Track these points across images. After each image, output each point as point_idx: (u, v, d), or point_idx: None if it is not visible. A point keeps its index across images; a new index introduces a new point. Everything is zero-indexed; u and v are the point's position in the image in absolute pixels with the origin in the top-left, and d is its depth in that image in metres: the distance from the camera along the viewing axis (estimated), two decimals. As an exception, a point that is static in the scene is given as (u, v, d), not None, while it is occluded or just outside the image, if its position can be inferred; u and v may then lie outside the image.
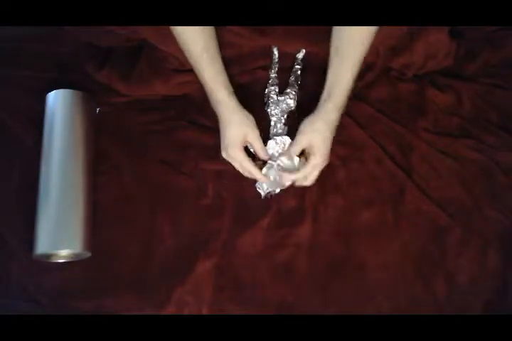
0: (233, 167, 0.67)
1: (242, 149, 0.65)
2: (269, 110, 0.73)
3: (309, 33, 0.72)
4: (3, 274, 0.62)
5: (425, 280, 0.63)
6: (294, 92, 0.74)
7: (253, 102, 0.74)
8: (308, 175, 0.64)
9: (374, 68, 0.76)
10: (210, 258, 0.63)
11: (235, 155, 0.64)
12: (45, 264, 0.63)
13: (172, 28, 0.65)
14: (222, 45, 0.72)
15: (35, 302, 0.61)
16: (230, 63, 0.75)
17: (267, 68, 0.76)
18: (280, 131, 0.71)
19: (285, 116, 0.72)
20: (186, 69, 0.75)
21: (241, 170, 0.66)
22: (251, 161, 0.65)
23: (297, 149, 0.65)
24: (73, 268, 0.63)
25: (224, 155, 0.66)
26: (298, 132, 0.65)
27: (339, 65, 0.65)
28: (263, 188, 0.67)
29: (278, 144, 0.68)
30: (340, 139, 0.72)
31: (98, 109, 0.74)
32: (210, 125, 0.73)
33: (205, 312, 0.61)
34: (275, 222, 0.66)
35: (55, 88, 0.70)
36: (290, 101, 0.73)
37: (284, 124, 0.71)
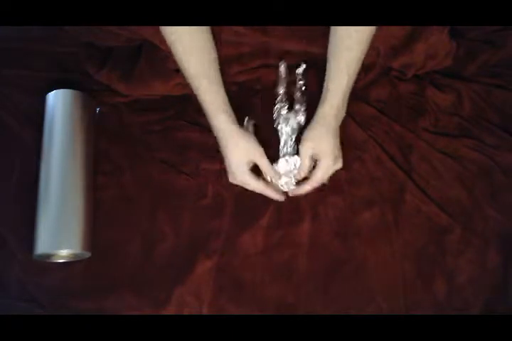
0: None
1: (250, 174, 0.64)
2: (279, 128, 0.71)
3: (310, 30, 0.72)
4: (3, 274, 0.62)
5: (425, 280, 0.63)
6: (303, 109, 0.72)
7: (253, 101, 0.74)
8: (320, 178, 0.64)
9: (374, 68, 0.76)
10: (210, 258, 0.63)
11: (245, 181, 0.64)
12: (45, 264, 0.63)
13: (173, 50, 0.64)
14: (222, 43, 0.72)
15: (35, 302, 0.61)
16: (230, 62, 0.74)
17: (267, 67, 0.76)
18: (290, 149, 0.69)
19: (296, 134, 0.70)
20: (186, 69, 0.76)
21: (256, 191, 0.65)
22: (262, 182, 0.64)
23: (306, 161, 0.64)
24: (73, 268, 0.63)
25: (232, 180, 0.65)
26: (301, 143, 0.64)
27: (332, 69, 0.65)
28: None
29: (289, 164, 0.67)
30: (341, 139, 0.72)
31: (98, 109, 0.74)
32: (210, 125, 0.73)
33: (205, 312, 0.61)
34: (275, 221, 0.66)
35: (55, 88, 0.70)
36: (300, 118, 0.71)
37: (294, 142, 0.70)
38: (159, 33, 0.71)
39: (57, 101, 0.69)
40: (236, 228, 0.65)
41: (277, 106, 0.73)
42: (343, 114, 0.67)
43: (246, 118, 0.71)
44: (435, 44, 0.74)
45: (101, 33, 0.76)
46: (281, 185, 0.66)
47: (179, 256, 0.64)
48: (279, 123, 0.71)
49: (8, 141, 0.71)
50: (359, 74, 0.76)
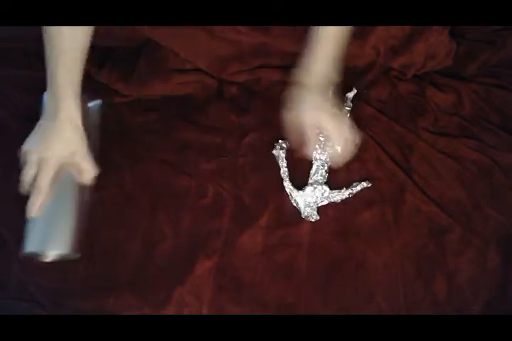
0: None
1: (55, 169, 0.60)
2: (314, 153, 0.67)
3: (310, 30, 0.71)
4: (3, 274, 0.62)
5: (425, 280, 0.63)
6: None
7: (253, 102, 0.74)
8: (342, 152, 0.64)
9: (374, 68, 0.77)
10: (210, 258, 0.63)
11: (44, 166, 0.60)
12: (45, 264, 0.63)
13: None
14: (222, 41, 0.72)
15: (35, 302, 0.61)
16: (230, 61, 0.74)
17: (268, 67, 0.76)
18: (321, 178, 0.67)
19: (329, 163, 0.68)
20: (186, 69, 0.76)
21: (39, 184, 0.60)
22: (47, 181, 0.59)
23: (313, 135, 0.62)
24: (73, 268, 0.63)
25: (34, 157, 0.60)
26: (302, 118, 0.62)
27: (318, 37, 0.64)
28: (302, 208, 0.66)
29: (315, 193, 0.66)
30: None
31: (98, 108, 0.73)
32: (210, 125, 0.73)
33: (205, 312, 0.61)
34: (275, 221, 0.66)
35: (55, 88, 0.69)
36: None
37: (326, 172, 0.68)
38: (161, 30, 0.71)
39: (57, 101, 0.69)
40: (236, 228, 0.65)
41: None
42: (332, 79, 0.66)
43: (279, 141, 0.69)
44: (435, 44, 0.75)
45: (101, 33, 0.75)
46: (305, 216, 0.65)
47: (179, 256, 0.64)
48: (316, 149, 0.67)
49: (8, 141, 0.71)
50: (358, 74, 0.77)
